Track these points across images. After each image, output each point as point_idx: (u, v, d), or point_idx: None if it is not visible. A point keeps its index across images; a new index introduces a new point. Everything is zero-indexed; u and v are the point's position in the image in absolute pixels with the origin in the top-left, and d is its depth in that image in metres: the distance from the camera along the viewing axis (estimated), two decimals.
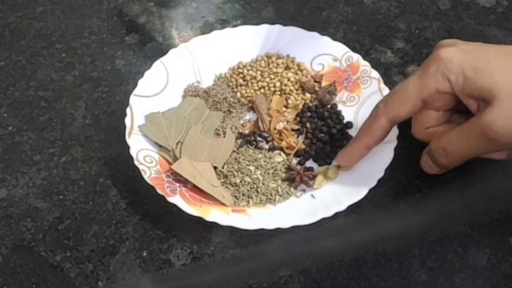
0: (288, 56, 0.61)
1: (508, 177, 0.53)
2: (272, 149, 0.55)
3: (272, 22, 0.63)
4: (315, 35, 0.61)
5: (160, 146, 0.54)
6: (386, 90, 0.56)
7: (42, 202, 0.52)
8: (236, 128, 0.56)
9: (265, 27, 0.62)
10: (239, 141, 0.55)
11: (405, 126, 0.52)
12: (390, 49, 0.64)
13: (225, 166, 0.53)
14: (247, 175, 0.52)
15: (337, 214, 0.49)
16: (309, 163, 0.54)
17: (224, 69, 0.61)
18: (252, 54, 0.62)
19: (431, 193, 0.52)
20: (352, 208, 0.49)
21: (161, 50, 0.62)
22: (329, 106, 0.58)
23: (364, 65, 0.59)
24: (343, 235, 0.50)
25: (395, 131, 0.52)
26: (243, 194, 0.51)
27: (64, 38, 0.65)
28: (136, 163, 0.51)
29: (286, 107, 0.58)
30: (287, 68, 0.60)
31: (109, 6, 0.69)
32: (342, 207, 0.49)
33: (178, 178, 0.51)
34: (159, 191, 0.49)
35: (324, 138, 0.55)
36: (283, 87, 0.59)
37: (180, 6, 0.69)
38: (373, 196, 0.50)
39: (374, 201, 0.51)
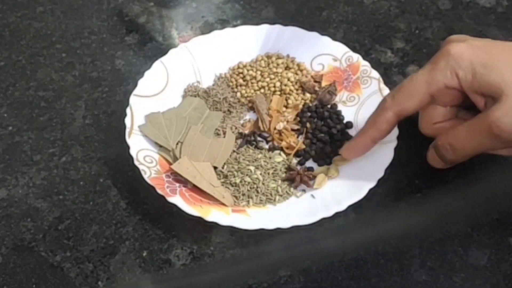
0: (288, 56, 0.61)
1: (508, 177, 0.53)
2: (272, 149, 0.55)
3: (272, 22, 0.63)
4: (315, 35, 0.61)
5: (160, 146, 0.54)
6: (386, 90, 0.56)
7: (42, 202, 0.52)
8: (236, 128, 0.56)
9: (265, 27, 0.62)
10: (239, 141, 0.55)
11: (405, 126, 0.52)
12: (390, 49, 0.64)
13: (225, 166, 0.53)
14: (247, 175, 0.52)
15: (337, 214, 0.49)
16: (309, 163, 0.54)
17: (224, 69, 0.61)
18: (252, 54, 0.62)
19: (431, 193, 0.52)
20: (352, 208, 0.49)
21: (161, 50, 0.62)
22: (329, 106, 0.58)
23: (364, 65, 0.59)
24: (343, 235, 0.50)
25: (395, 131, 0.52)
26: (243, 194, 0.51)
27: (64, 38, 0.65)
28: (136, 163, 0.51)
29: (286, 107, 0.58)
30: (287, 68, 0.60)
31: (109, 6, 0.69)
32: (342, 207, 0.49)
33: (178, 178, 0.51)
34: (159, 191, 0.49)
35: (324, 138, 0.55)
36: (283, 87, 0.59)
37: (180, 6, 0.69)
38: (373, 196, 0.50)
39: (374, 201, 0.51)
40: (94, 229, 0.50)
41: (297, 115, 0.58)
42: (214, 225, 0.48)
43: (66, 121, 0.58)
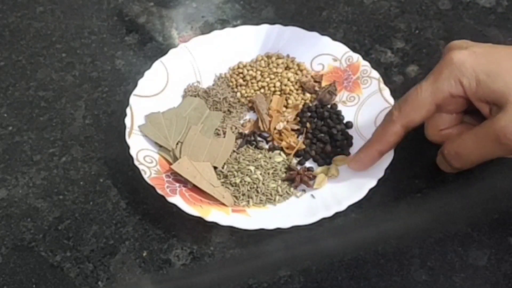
0: (288, 56, 0.61)
1: (508, 177, 0.53)
2: (272, 149, 0.55)
3: (272, 22, 0.63)
4: (315, 35, 0.61)
5: (160, 146, 0.54)
6: (386, 90, 0.56)
7: (42, 202, 0.52)
8: (236, 128, 0.56)
9: (265, 27, 0.62)
10: (239, 141, 0.55)
11: None
12: (390, 49, 0.64)
13: (225, 166, 0.53)
14: (247, 175, 0.52)
15: (337, 214, 0.48)
16: (309, 163, 0.54)
17: (224, 69, 0.61)
18: (252, 54, 0.62)
19: (431, 193, 0.52)
20: (352, 208, 0.49)
21: (161, 50, 0.62)
22: (329, 106, 0.58)
23: (364, 65, 0.59)
24: (343, 235, 0.50)
25: None
26: (243, 194, 0.51)
27: (64, 38, 0.65)
28: (136, 163, 0.51)
29: (286, 107, 0.58)
30: (287, 68, 0.60)
31: (109, 6, 0.69)
32: (342, 207, 0.49)
33: (178, 178, 0.51)
34: (159, 191, 0.49)
35: (324, 138, 0.55)
36: (283, 87, 0.59)
37: (180, 6, 0.69)
38: (373, 196, 0.50)
39: (374, 201, 0.51)
40: (94, 229, 0.50)
41: (297, 115, 0.58)
42: (214, 225, 0.48)
43: (66, 121, 0.58)
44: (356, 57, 0.59)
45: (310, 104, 0.58)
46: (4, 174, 0.54)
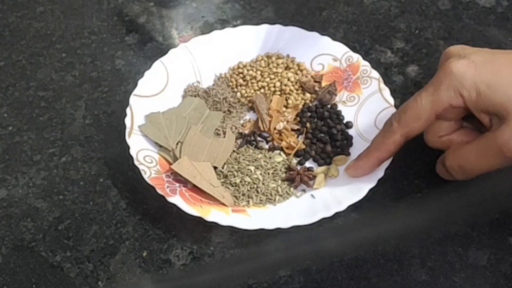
0: (288, 56, 0.61)
1: (508, 177, 0.53)
2: (272, 149, 0.55)
3: (272, 22, 0.63)
4: (315, 35, 0.61)
5: (160, 146, 0.54)
6: (386, 90, 0.56)
7: (42, 202, 0.52)
8: (236, 128, 0.56)
9: (265, 27, 0.62)
10: (239, 141, 0.55)
11: None
12: (390, 49, 0.64)
13: (225, 166, 0.53)
14: (247, 175, 0.52)
15: (337, 214, 0.48)
16: (309, 163, 0.54)
17: (224, 69, 0.61)
18: (252, 54, 0.62)
19: (431, 193, 0.52)
20: (352, 208, 0.49)
21: (161, 50, 0.62)
22: (329, 106, 0.58)
23: (364, 65, 0.59)
24: (343, 235, 0.50)
25: None
26: (243, 194, 0.51)
27: (64, 38, 0.65)
28: (136, 163, 0.51)
29: (286, 107, 0.58)
30: (287, 68, 0.60)
31: (109, 6, 0.69)
32: (342, 207, 0.49)
33: (178, 178, 0.51)
34: (159, 191, 0.49)
35: (324, 138, 0.55)
36: (283, 87, 0.59)
37: (180, 6, 0.69)
38: (373, 196, 0.50)
39: (374, 201, 0.51)
40: (94, 229, 0.50)
41: (297, 115, 0.58)
42: (214, 225, 0.48)
43: (66, 121, 0.58)
44: (356, 57, 0.59)
45: (310, 104, 0.58)
46: (4, 174, 0.54)
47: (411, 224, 0.50)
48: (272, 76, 0.59)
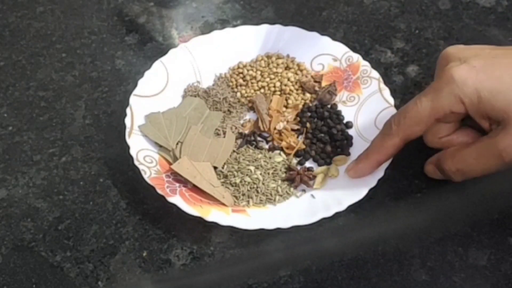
0: (288, 56, 0.61)
1: (508, 177, 0.53)
2: (272, 149, 0.55)
3: (272, 22, 0.63)
4: (315, 35, 0.61)
5: (160, 146, 0.54)
6: (386, 90, 0.56)
7: (42, 202, 0.52)
8: (236, 128, 0.56)
9: (265, 27, 0.62)
10: (239, 141, 0.55)
11: None
12: (390, 49, 0.64)
13: (225, 166, 0.53)
14: (247, 175, 0.52)
15: (337, 214, 0.48)
16: (309, 163, 0.54)
17: (224, 69, 0.61)
18: (252, 54, 0.62)
19: (431, 193, 0.52)
20: (352, 208, 0.49)
21: (161, 50, 0.62)
22: (329, 106, 0.58)
23: (364, 65, 0.59)
24: (343, 235, 0.50)
25: None
26: (243, 194, 0.51)
27: (64, 38, 0.65)
28: (136, 163, 0.51)
29: (286, 107, 0.58)
30: (287, 68, 0.60)
31: (109, 6, 0.69)
32: (342, 207, 0.49)
33: (178, 178, 0.51)
34: (159, 191, 0.49)
35: (324, 138, 0.55)
36: (283, 87, 0.59)
37: (180, 6, 0.69)
38: (373, 196, 0.50)
39: (374, 201, 0.51)
40: (94, 229, 0.50)
41: (297, 115, 0.58)
42: (214, 225, 0.48)
43: (66, 121, 0.58)
44: (356, 57, 0.59)
45: (310, 104, 0.58)
46: (4, 174, 0.54)
47: (411, 224, 0.50)
48: (272, 76, 0.59)
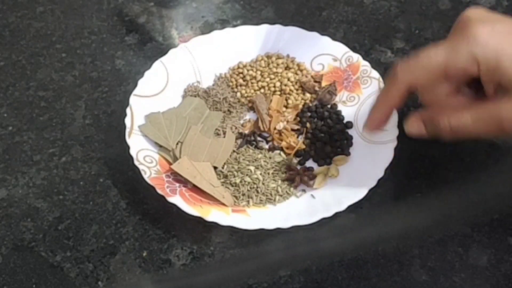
0: (288, 56, 0.61)
1: (508, 177, 0.53)
2: (272, 149, 0.55)
3: (272, 22, 0.63)
4: (315, 35, 0.61)
5: (160, 146, 0.54)
6: None
7: (42, 202, 0.52)
8: (236, 128, 0.56)
9: (265, 27, 0.62)
10: (239, 141, 0.55)
11: None
12: (390, 49, 0.64)
13: (225, 166, 0.53)
14: (247, 175, 0.52)
15: (337, 214, 0.48)
16: (309, 163, 0.54)
17: (224, 69, 0.61)
18: (252, 54, 0.62)
19: (431, 193, 0.52)
20: (352, 208, 0.49)
21: (161, 50, 0.62)
22: (329, 106, 0.58)
23: (364, 65, 0.59)
24: (343, 235, 0.50)
25: (395, 131, 0.52)
26: (243, 194, 0.51)
27: (64, 38, 0.65)
28: (136, 163, 0.51)
29: (286, 107, 0.58)
30: (287, 68, 0.60)
31: (109, 6, 0.69)
32: (342, 207, 0.49)
33: (178, 178, 0.51)
34: (159, 191, 0.49)
35: (324, 138, 0.55)
36: (283, 87, 0.59)
37: (180, 6, 0.69)
38: (373, 196, 0.50)
39: (374, 201, 0.51)
40: (94, 229, 0.50)
41: (297, 115, 0.58)
42: (214, 225, 0.48)
43: (66, 121, 0.58)
44: (356, 57, 0.59)
45: (310, 104, 0.58)
46: (4, 174, 0.54)
47: (411, 224, 0.50)
48: (272, 76, 0.59)
